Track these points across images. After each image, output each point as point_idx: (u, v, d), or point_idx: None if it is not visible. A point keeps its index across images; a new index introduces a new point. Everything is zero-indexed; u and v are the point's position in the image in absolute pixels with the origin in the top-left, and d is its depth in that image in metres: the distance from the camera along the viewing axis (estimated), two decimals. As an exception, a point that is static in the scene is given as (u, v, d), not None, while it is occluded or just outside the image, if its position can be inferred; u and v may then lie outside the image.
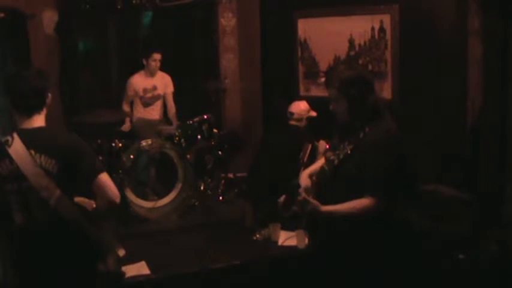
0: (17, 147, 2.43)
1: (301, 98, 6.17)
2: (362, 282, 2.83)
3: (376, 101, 2.79)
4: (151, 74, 5.97)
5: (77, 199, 2.57)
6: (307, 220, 3.25)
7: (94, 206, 2.58)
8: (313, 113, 5.08)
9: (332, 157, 2.81)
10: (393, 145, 2.74)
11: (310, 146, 4.73)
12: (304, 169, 4.68)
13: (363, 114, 2.78)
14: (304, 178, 3.09)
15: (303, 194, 2.84)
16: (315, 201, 2.76)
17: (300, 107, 5.05)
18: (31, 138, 2.46)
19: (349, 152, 2.74)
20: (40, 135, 2.50)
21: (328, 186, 2.87)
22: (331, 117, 5.03)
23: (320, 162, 3.14)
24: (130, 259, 3.81)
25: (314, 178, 2.98)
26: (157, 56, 5.88)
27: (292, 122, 5.02)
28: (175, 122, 6.06)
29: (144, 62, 5.90)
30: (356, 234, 2.76)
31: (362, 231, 2.74)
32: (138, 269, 3.81)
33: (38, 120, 2.53)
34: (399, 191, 2.74)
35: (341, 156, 2.76)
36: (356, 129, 2.80)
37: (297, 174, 4.64)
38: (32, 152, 2.43)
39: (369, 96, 2.77)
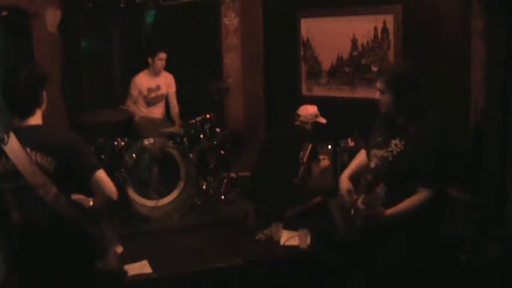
0: (12, 146, 2.42)
1: (303, 98, 6.20)
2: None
3: (421, 97, 2.79)
4: (156, 73, 5.97)
5: (74, 196, 2.55)
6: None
7: (91, 203, 2.56)
8: (322, 120, 5.02)
9: (385, 154, 2.79)
10: (445, 139, 2.77)
11: (310, 146, 4.76)
12: (304, 169, 4.71)
13: (406, 110, 2.78)
14: (345, 180, 3.05)
15: (347, 197, 2.85)
16: (379, 208, 2.74)
17: (307, 111, 5.00)
18: (27, 136, 2.45)
19: (402, 147, 2.74)
20: (36, 133, 2.49)
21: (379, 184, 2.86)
22: (332, 117, 5.07)
23: (355, 163, 3.13)
24: (133, 258, 3.82)
25: (369, 177, 2.91)
26: (163, 56, 5.89)
27: (298, 123, 5.01)
28: (178, 121, 6.06)
29: (150, 60, 5.89)
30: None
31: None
32: (140, 267, 3.82)
33: (34, 119, 2.52)
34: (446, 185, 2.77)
35: (395, 153, 2.75)
36: (401, 125, 2.79)
37: (297, 174, 4.69)
38: (28, 150, 2.42)
39: (415, 94, 2.77)
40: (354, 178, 3.07)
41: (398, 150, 2.74)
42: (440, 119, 2.80)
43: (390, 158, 2.76)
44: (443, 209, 2.85)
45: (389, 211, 2.72)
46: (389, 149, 2.77)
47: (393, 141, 2.78)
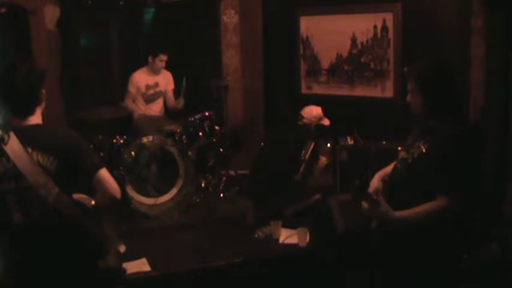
0: (13, 145, 2.40)
1: (302, 96, 6.19)
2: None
3: (454, 98, 2.69)
4: (155, 72, 5.97)
5: (76, 196, 2.54)
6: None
7: (93, 202, 2.54)
8: (326, 122, 4.98)
9: (406, 156, 2.68)
10: (473, 142, 2.67)
11: (313, 144, 4.75)
12: (305, 166, 4.70)
13: (438, 110, 2.65)
14: (376, 180, 2.96)
15: (374, 196, 2.71)
16: (386, 205, 2.62)
17: (311, 113, 4.95)
18: (27, 136, 2.43)
19: (424, 150, 2.62)
20: (36, 133, 2.47)
21: (398, 187, 2.75)
22: (331, 115, 5.07)
23: (392, 165, 3.00)
24: (131, 256, 3.81)
25: (386, 179, 2.84)
26: (163, 57, 5.89)
27: (300, 123, 4.99)
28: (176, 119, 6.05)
29: (150, 60, 5.89)
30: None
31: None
32: (139, 265, 3.81)
33: (34, 118, 2.50)
34: (471, 191, 2.63)
35: (415, 155, 2.64)
36: (429, 126, 2.68)
37: (297, 172, 4.68)
38: (29, 149, 2.41)
39: (447, 93, 2.66)
40: None
41: (419, 152, 2.63)
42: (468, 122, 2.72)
43: (409, 160, 2.66)
44: (461, 220, 2.68)
45: (399, 213, 2.61)
46: (411, 150, 2.66)
47: (417, 143, 2.67)
